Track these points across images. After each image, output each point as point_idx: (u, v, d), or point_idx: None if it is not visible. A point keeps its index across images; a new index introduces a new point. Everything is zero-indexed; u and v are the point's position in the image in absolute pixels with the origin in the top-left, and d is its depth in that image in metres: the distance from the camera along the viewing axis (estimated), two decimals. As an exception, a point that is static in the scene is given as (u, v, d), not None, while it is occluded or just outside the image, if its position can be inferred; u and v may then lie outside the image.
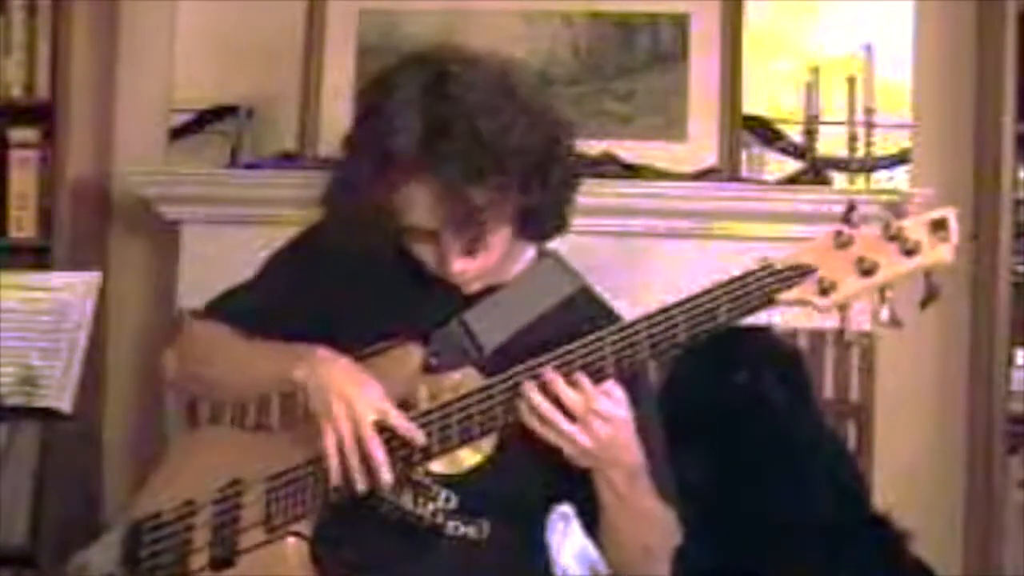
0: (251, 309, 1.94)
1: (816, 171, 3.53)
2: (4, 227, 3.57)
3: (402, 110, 1.69)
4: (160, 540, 1.90)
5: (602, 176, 3.45)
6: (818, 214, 3.45)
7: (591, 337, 1.67)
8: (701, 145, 3.55)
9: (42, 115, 3.56)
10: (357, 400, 1.72)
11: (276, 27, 3.70)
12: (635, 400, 1.75)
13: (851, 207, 1.61)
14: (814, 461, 3.03)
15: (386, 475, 1.71)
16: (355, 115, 1.78)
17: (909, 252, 1.56)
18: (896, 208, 1.60)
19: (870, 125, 3.51)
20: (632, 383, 1.74)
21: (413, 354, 1.80)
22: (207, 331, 1.97)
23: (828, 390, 3.48)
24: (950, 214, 1.57)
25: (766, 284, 1.61)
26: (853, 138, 3.54)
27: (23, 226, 3.57)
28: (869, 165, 3.54)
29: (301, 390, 1.77)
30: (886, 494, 3.27)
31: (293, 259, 1.95)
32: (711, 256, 3.46)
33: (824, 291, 1.59)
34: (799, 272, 1.60)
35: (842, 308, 1.61)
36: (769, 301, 1.61)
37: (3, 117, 3.59)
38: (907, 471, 3.57)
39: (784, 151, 3.70)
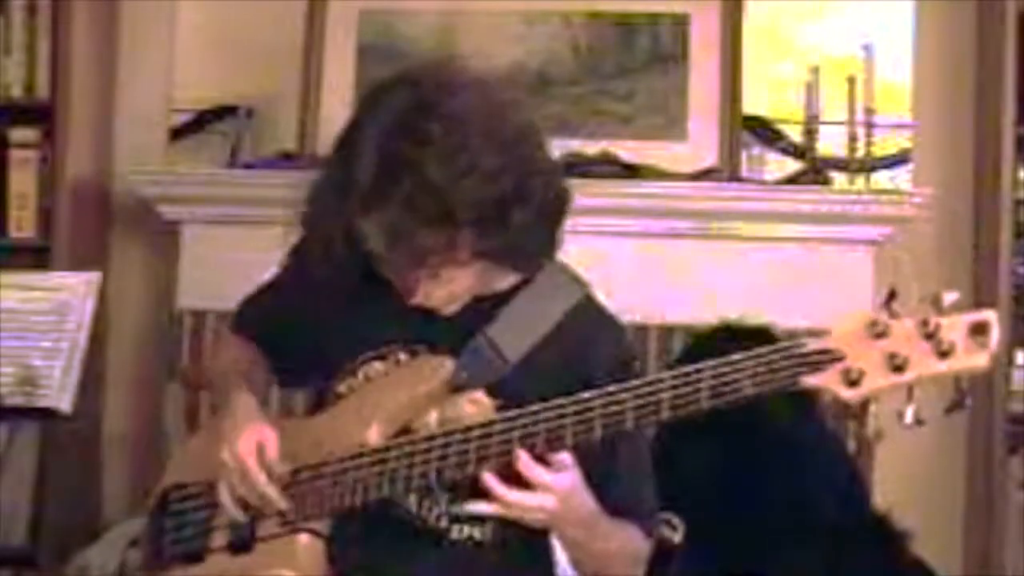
0: (263, 315, 2.00)
1: (816, 171, 3.53)
2: (4, 227, 3.57)
3: (370, 140, 1.69)
4: (184, 512, 1.93)
5: (602, 176, 3.46)
6: (818, 214, 3.45)
7: (614, 388, 1.65)
8: (701, 145, 3.55)
9: (42, 115, 3.56)
10: (234, 444, 1.79)
11: (276, 27, 3.70)
12: (619, 439, 1.74)
13: (893, 294, 1.55)
14: (814, 462, 3.03)
15: (281, 504, 1.78)
16: (345, 124, 1.79)
17: (944, 354, 1.52)
18: (936, 301, 1.53)
19: (870, 125, 3.51)
20: None
21: (444, 367, 1.80)
22: (222, 349, 2.05)
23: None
24: (992, 318, 1.53)
25: (792, 366, 1.57)
26: (853, 138, 3.54)
27: (23, 226, 3.57)
28: (869, 165, 3.54)
29: None
30: (886, 494, 3.27)
31: (292, 264, 1.98)
32: (711, 256, 3.46)
33: (851, 382, 1.54)
34: (827, 358, 1.56)
35: (865, 403, 1.57)
36: (793, 384, 1.58)
37: (3, 117, 3.58)
38: (907, 471, 3.57)
39: (784, 151, 3.70)
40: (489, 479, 1.67)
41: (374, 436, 1.78)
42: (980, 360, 1.52)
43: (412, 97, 1.71)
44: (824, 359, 1.56)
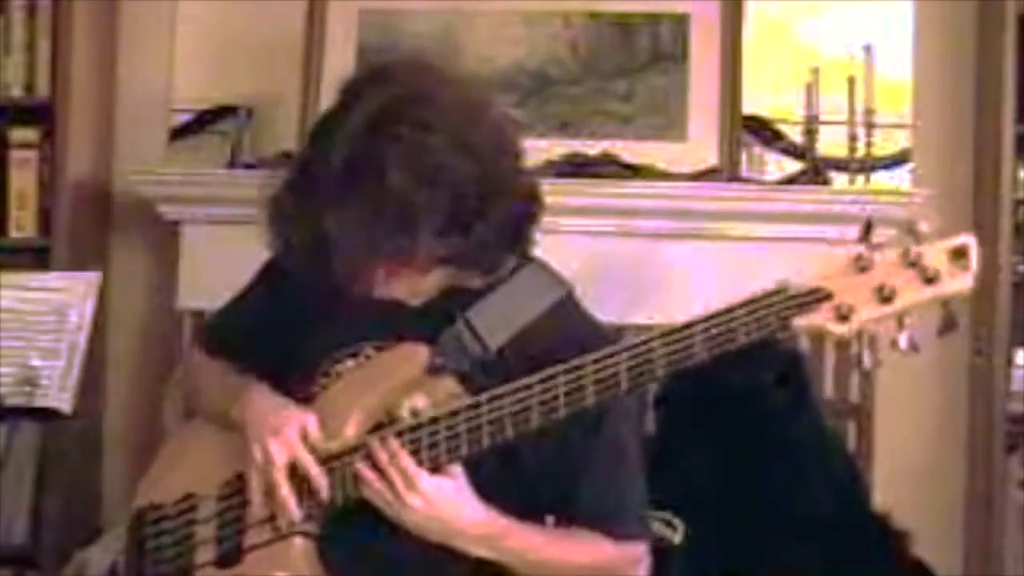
0: (233, 332, 2.00)
1: (816, 171, 3.53)
2: (4, 227, 3.57)
3: (340, 138, 1.68)
4: (163, 533, 1.90)
5: (602, 176, 3.46)
6: (818, 214, 3.45)
7: (605, 351, 1.67)
8: (701, 145, 3.55)
9: (42, 115, 3.56)
10: (270, 443, 1.77)
11: (276, 27, 3.70)
12: (595, 432, 1.78)
13: (868, 226, 1.59)
14: (814, 461, 3.03)
15: (293, 515, 1.77)
16: (318, 118, 1.77)
17: (929, 280, 1.55)
18: (914, 231, 1.57)
19: (870, 125, 3.51)
20: (601, 412, 1.75)
21: (418, 354, 1.80)
22: (197, 364, 2.04)
23: (828, 390, 3.48)
24: (970, 242, 1.56)
25: (782, 309, 1.60)
26: (853, 138, 3.54)
27: (23, 226, 3.57)
28: (869, 165, 3.54)
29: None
30: (886, 494, 3.27)
31: (259, 278, 1.98)
32: (711, 256, 3.46)
33: (842, 317, 1.57)
34: (816, 297, 1.59)
35: (859, 335, 1.60)
36: (785, 327, 1.60)
37: (3, 117, 3.58)
38: (907, 471, 3.57)
39: (784, 151, 3.70)
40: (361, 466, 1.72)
41: (351, 432, 1.78)
42: (964, 282, 1.56)
43: (386, 98, 1.70)
44: (812, 299, 1.59)
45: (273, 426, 1.78)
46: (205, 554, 1.86)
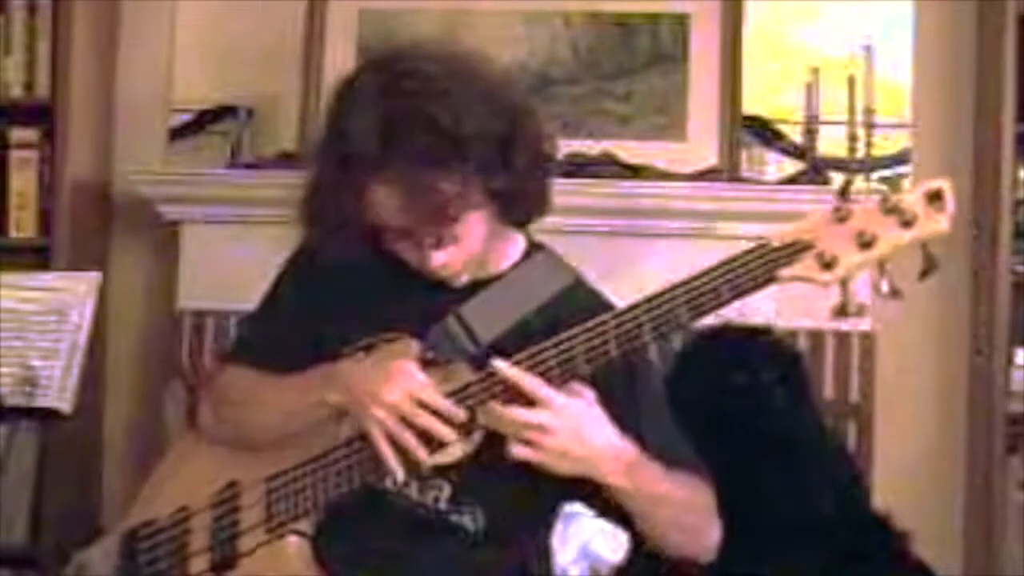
0: (264, 343, 1.97)
1: (816, 171, 3.53)
2: (4, 227, 3.57)
3: (360, 113, 1.72)
4: (156, 547, 1.90)
5: (602, 176, 3.45)
6: (818, 214, 3.45)
7: (593, 322, 1.69)
8: (701, 145, 3.55)
9: (42, 115, 3.56)
10: (384, 394, 1.72)
11: (276, 27, 3.70)
12: (632, 382, 1.80)
13: (848, 182, 1.64)
14: (814, 462, 3.03)
15: (445, 434, 1.71)
16: (321, 125, 1.81)
17: (907, 223, 1.58)
18: (893, 182, 1.62)
19: (870, 125, 3.51)
20: (630, 365, 1.76)
21: (410, 348, 1.80)
22: (235, 376, 1.98)
23: (828, 390, 3.48)
24: (945, 185, 1.59)
25: (766, 261, 1.63)
26: (853, 138, 3.54)
27: (23, 226, 3.57)
28: (869, 165, 3.54)
29: (342, 412, 1.78)
30: (886, 494, 3.27)
31: (288, 280, 1.98)
32: (711, 256, 3.45)
33: (826, 266, 1.60)
34: (798, 248, 1.62)
35: (843, 283, 1.62)
36: (770, 278, 1.62)
37: (3, 117, 3.59)
38: (907, 471, 3.57)
39: (784, 151, 3.70)
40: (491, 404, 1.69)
41: (348, 426, 1.78)
42: (941, 223, 1.59)
43: (386, 71, 1.75)
44: (795, 249, 1.62)
45: (381, 382, 1.73)
46: (199, 564, 1.86)
